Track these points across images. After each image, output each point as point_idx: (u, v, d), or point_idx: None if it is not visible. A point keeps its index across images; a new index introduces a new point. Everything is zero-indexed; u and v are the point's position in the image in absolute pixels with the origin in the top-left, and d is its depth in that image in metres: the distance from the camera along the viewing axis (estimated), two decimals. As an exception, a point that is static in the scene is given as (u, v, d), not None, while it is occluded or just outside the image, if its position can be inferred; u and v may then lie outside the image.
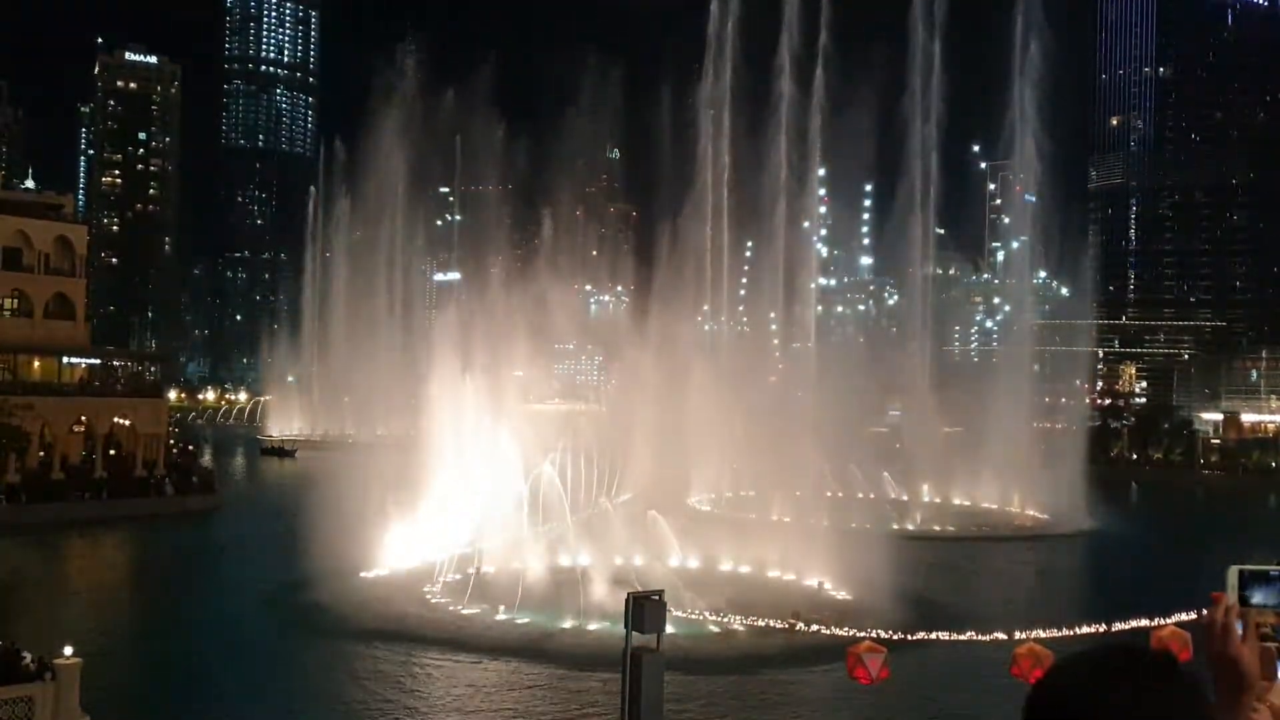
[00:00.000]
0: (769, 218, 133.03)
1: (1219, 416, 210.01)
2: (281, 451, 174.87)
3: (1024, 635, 41.22)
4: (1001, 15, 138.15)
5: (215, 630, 56.36)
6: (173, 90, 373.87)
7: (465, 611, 58.75)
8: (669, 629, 28.16)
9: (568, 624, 55.57)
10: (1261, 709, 3.35)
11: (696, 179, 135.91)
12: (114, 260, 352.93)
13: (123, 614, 62.34)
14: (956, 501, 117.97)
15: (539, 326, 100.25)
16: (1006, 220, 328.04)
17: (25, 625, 51.03)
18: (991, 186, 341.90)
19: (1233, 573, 3.83)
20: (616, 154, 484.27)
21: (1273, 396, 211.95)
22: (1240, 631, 3.31)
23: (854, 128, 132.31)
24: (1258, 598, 3.75)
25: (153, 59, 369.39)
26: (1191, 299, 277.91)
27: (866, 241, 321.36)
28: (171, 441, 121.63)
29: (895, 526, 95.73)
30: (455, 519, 68.53)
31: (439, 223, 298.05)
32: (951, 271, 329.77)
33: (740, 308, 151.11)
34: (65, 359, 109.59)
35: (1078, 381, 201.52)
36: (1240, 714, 3.23)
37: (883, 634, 46.68)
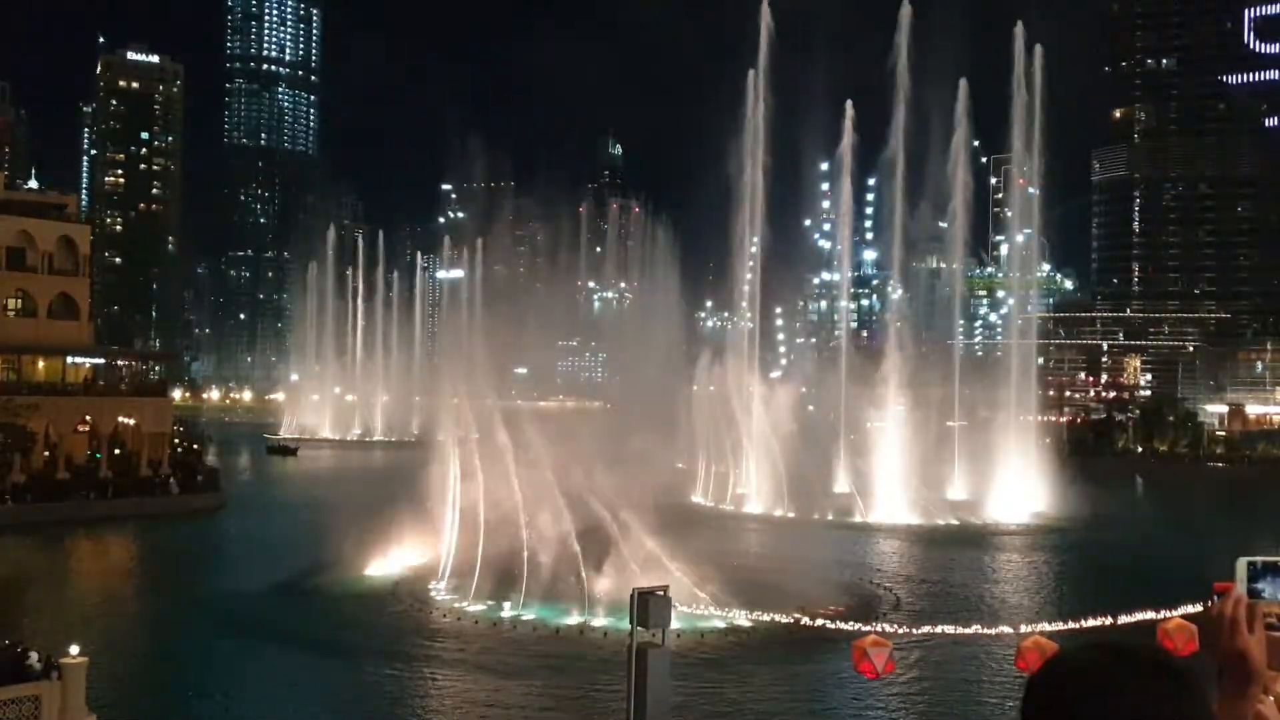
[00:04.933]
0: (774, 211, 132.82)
1: (1224, 408, 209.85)
2: (285, 449, 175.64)
3: (1029, 629, 41.18)
4: (1005, 7, 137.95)
5: (221, 629, 56.35)
6: (175, 89, 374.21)
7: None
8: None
9: None
10: (1268, 700, 3.35)
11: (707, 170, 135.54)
12: (117, 260, 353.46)
13: (128, 613, 62.36)
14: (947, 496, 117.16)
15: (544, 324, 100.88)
16: (1009, 214, 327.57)
17: (32, 624, 51.11)
18: (994, 180, 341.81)
19: (1241, 565, 3.82)
20: (618, 149, 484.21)
21: (1278, 388, 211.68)
22: (1248, 624, 3.29)
23: (859, 121, 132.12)
24: (1267, 590, 3.76)
25: (154, 58, 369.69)
26: (1196, 291, 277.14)
27: (870, 236, 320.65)
28: (176, 440, 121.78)
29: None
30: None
31: (441, 220, 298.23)
32: (955, 265, 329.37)
33: (744, 304, 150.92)
34: (70, 359, 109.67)
35: (1083, 375, 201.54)
36: (1247, 706, 3.22)
37: (888, 628, 46.68)
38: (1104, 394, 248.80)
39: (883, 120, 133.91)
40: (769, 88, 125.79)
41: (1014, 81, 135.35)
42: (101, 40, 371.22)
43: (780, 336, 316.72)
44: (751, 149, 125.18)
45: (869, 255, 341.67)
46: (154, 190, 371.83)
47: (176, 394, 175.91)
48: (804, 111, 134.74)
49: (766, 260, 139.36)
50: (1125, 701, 2.72)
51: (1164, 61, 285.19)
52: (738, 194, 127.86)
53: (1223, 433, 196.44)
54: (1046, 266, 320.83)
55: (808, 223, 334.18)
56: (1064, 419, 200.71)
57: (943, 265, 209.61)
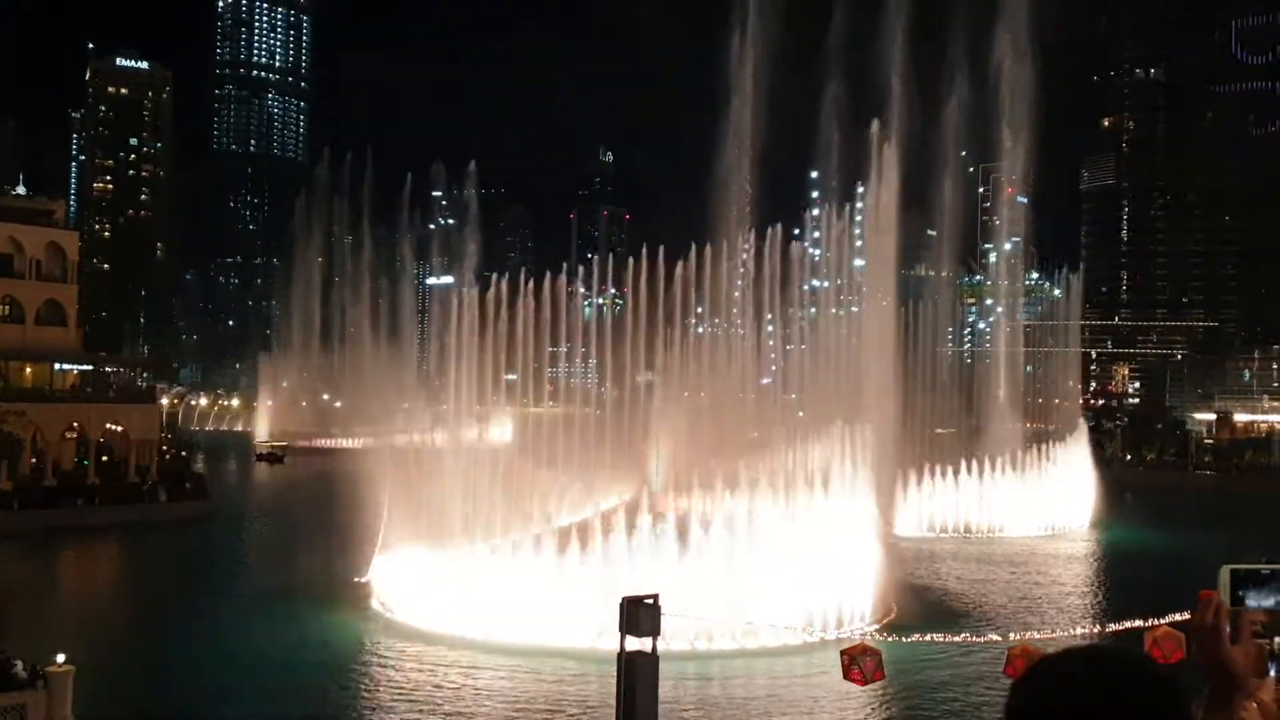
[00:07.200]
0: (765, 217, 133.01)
1: (1212, 417, 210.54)
2: (273, 457, 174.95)
3: (1018, 637, 41.27)
4: (991, 16, 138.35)
5: (209, 637, 56.14)
6: (164, 96, 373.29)
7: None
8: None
9: None
10: (1251, 706, 3.36)
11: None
12: (105, 266, 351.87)
13: (115, 621, 62.11)
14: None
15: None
16: (997, 222, 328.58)
17: (17, 633, 50.81)
18: (982, 189, 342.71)
19: (1224, 573, 3.81)
20: (610, 156, 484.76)
21: (1265, 396, 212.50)
22: (1235, 633, 3.28)
23: (847, 130, 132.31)
24: (1251, 597, 3.75)
25: (144, 64, 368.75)
26: (1184, 299, 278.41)
27: (859, 244, 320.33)
28: (164, 447, 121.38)
29: None
30: None
31: (431, 226, 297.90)
32: (944, 273, 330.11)
33: (734, 310, 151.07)
34: (57, 365, 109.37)
35: (1070, 383, 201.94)
36: (1232, 713, 3.23)
37: (876, 635, 46.71)
38: (1092, 402, 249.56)
39: (872, 125, 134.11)
40: (758, 92, 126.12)
41: (1002, 90, 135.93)
42: (90, 46, 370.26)
43: (770, 343, 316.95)
44: (738, 154, 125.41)
45: (858, 263, 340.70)
46: (143, 197, 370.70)
47: (164, 400, 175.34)
48: (792, 118, 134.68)
49: (756, 266, 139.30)
50: (1106, 706, 2.71)
51: (1152, 71, 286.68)
52: (726, 198, 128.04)
53: (1210, 441, 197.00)
54: (1034, 274, 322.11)
55: (796, 231, 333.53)
56: (1051, 427, 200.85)
57: (930, 273, 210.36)
